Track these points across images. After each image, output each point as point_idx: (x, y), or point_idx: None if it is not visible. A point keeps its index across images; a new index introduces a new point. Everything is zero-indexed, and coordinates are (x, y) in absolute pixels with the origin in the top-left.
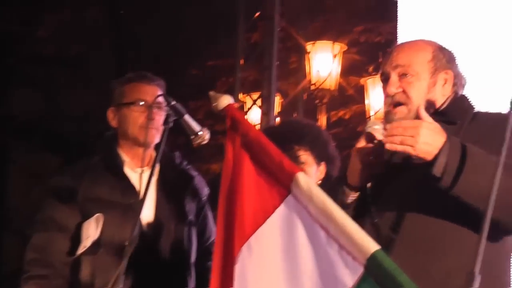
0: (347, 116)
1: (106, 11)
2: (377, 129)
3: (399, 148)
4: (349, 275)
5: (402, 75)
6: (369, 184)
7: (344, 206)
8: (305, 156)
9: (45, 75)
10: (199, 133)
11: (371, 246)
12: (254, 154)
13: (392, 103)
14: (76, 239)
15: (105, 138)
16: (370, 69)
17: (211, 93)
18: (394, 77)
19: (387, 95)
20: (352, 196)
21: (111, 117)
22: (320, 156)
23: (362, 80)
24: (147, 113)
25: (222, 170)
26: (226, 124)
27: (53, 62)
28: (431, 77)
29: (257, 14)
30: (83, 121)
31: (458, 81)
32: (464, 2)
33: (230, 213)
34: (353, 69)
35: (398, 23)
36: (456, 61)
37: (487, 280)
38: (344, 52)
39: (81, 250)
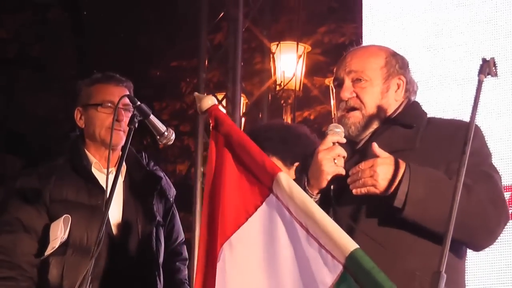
0: (312, 117)
1: (68, 12)
2: (338, 132)
3: (363, 190)
4: (329, 274)
5: (356, 80)
6: (332, 186)
7: None
8: (274, 160)
9: (6, 77)
10: (165, 134)
11: (350, 245)
12: (237, 154)
13: (346, 108)
14: (44, 240)
15: (72, 139)
16: (335, 69)
17: (196, 94)
18: (348, 82)
19: (340, 100)
20: (314, 198)
21: (78, 118)
22: (289, 158)
23: (326, 81)
24: (114, 115)
25: (206, 170)
26: (210, 124)
27: (14, 63)
28: (384, 82)
29: (221, 14)
30: (46, 122)
31: (410, 87)
32: (429, 2)
33: (213, 212)
34: (317, 70)
35: (362, 23)
36: (408, 67)
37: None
38: (309, 53)
39: (49, 251)
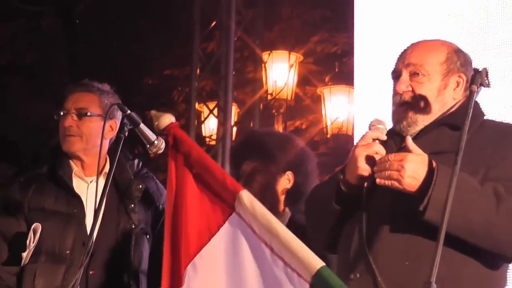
0: (303, 126)
1: (61, 19)
2: (380, 128)
3: (387, 183)
4: None
5: (414, 74)
6: (365, 184)
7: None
8: (262, 168)
9: None
10: (155, 143)
11: (316, 262)
12: (197, 173)
13: (400, 102)
14: (22, 249)
15: (54, 148)
16: (327, 79)
17: (153, 112)
18: (405, 75)
19: (396, 93)
20: (346, 191)
21: None
22: (283, 166)
23: (318, 90)
24: (64, 121)
25: (166, 190)
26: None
27: (7, 70)
28: (443, 79)
29: (213, 23)
30: (38, 129)
31: None
32: (420, 13)
33: (175, 232)
34: (309, 79)
35: (354, 33)
36: (471, 65)
37: None
38: (301, 62)
39: (24, 260)
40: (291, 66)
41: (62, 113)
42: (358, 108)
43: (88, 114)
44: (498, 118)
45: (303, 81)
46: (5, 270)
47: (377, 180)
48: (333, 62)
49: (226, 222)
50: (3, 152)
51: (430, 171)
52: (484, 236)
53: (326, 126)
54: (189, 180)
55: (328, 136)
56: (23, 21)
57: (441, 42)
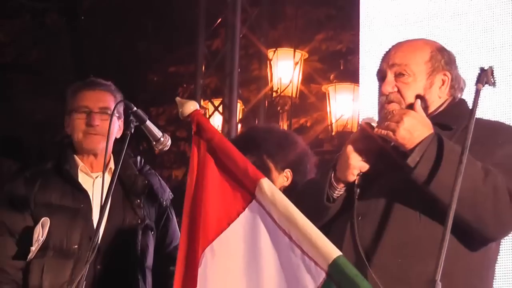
0: (308, 124)
1: (66, 17)
2: (372, 126)
3: (383, 132)
4: (311, 281)
5: (399, 74)
6: (357, 179)
7: (328, 198)
8: (261, 163)
9: (4, 81)
10: (161, 139)
11: (333, 252)
12: (219, 160)
13: (386, 102)
14: (28, 243)
15: (60, 144)
16: (331, 76)
17: (178, 99)
18: (390, 76)
19: (382, 94)
20: (339, 191)
21: (66, 125)
22: (282, 163)
23: (323, 88)
24: (88, 119)
25: (188, 175)
26: (192, 130)
27: (12, 67)
28: (428, 78)
29: (219, 21)
30: (43, 126)
31: (456, 83)
32: (425, 11)
33: (194, 217)
34: (314, 77)
35: (359, 31)
36: (455, 63)
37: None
38: (305, 60)
39: (31, 254)
40: (296, 63)
41: (84, 111)
42: (363, 106)
43: (109, 113)
44: (503, 117)
45: (308, 78)
46: (11, 264)
47: (375, 129)
48: (338, 60)
49: (246, 209)
50: (8, 149)
51: (424, 130)
52: (469, 205)
53: (331, 124)
54: (211, 166)
55: (333, 133)
56: (28, 18)
57: (424, 41)
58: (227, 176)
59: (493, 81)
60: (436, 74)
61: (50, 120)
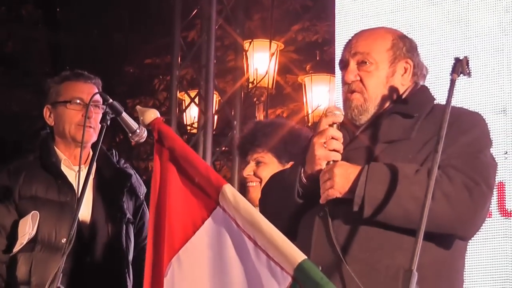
0: (285, 114)
1: (42, 8)
2: (337, 114)
3: (324, 195)
4: (278, 286)
5: (361, 63)
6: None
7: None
8: (263, 156)
9: None
10: (137, 131)
11: (298, 256)
12: (181, 168)
13: (349, 92)
14: (13, 237)
15: (42, 136)
16: (308, 67)
17: (138, 107)
18: (352, 65)
19: (344, 83)
20: (307, 184)
21: (47, 116)
22: (286, 157)
23: (299, 78)
24: (83, 112)
25: (151, 184)
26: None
27: None
28: (390, 66)
29: (194, 12)
30: (19, 118)
31: (418, 70)
32: (401, 1)
33: (159, 226)
34: (290, 68)
35: (335, 22)
36: (417, 50)
37: (436, 279)
38: (281, 51)
39: (17, 247)
40: (272, 54)
41: (78, 102)
42: (339, 97)
43: (99, 106)
44: (478, 107)
45: (284, 69)
46: None
47: (321, 199)
48: (314, 51)
49: (210, 216)
50: None
51: (355, 171)
52: (430, 221)
53: (307, 115)
54: (174, 175)
55: (310, 124)
56: (4, 10)
57: (385, 29)
58: (190, 184)
59: (468, 71)
60: (398, 62)
61: (26, 112)
